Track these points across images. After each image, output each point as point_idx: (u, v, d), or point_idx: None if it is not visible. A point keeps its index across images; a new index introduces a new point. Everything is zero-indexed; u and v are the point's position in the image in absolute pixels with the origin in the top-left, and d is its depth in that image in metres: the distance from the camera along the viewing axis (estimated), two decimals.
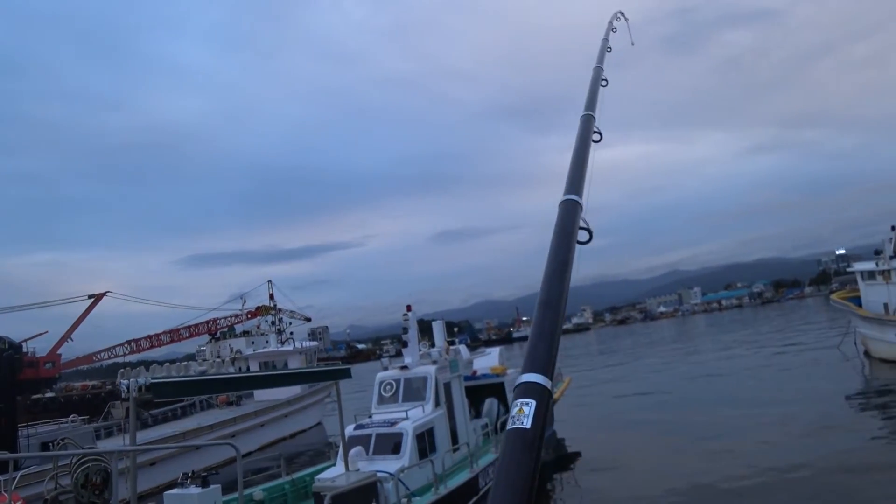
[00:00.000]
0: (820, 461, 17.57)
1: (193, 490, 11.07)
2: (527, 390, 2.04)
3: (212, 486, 11.27)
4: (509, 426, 1.95)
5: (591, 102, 4.46)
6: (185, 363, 60.35)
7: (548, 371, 2.12)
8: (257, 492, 14.46)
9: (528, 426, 1.92)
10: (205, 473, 11.76)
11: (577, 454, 22.55)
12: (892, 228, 33.81)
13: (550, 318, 2.37)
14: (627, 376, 46.48)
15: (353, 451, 14.22)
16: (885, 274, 32.90)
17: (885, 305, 32.47)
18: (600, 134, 4.02)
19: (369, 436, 15.34)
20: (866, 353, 35.30)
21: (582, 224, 2.91)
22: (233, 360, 47.78)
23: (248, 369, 41.65)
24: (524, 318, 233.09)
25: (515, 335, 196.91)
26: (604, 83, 5.02)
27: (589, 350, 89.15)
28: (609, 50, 6.15)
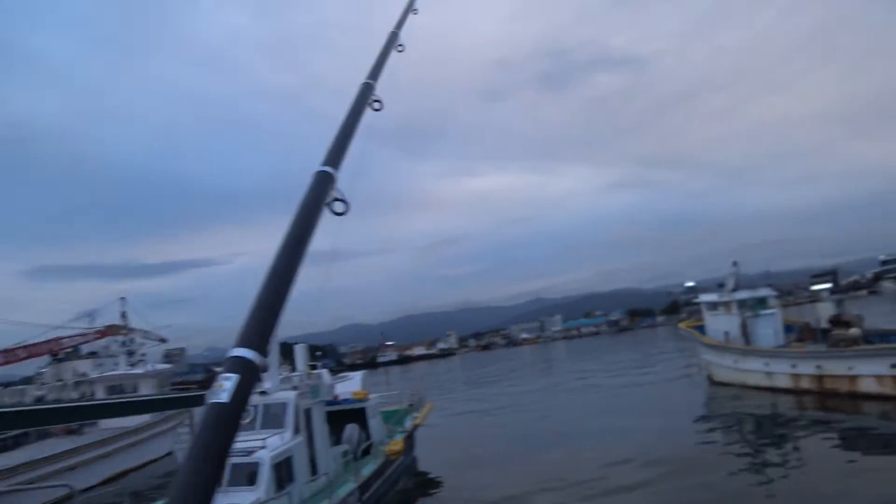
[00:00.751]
0: (661, 476, 18.64)
1: None
2: (232, 365, 1.97)
3: None
4: (208, 400, 1.88)
5: (377, 71, 4.30)
6: (22, 388, 55.57)
7: (260, 346, 2.04)
8: None
9: (226, 400, 1.87)
10: None
11: (437, 480, 22.57)
12: (734, 264, 36.84)
13: (275, 290, 2.27)
14: (489, 403, 47.37)
15: None
16: (727, 305, 35.66)
17: (726, 334, 35.03)
18: (381, 103, 3.95)
19: None
20: (710, 378, 37.75)
21: (337, 195, 2.89)
22: (76, 384, 44.44)
23: (93, 394, 38.99)
24: (389, 343, 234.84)
25: (380, 359, 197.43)
26: (400, 48, 4.85)
27: (454, 377, 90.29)
28: (415, 11, 5.79)
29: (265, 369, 2.02)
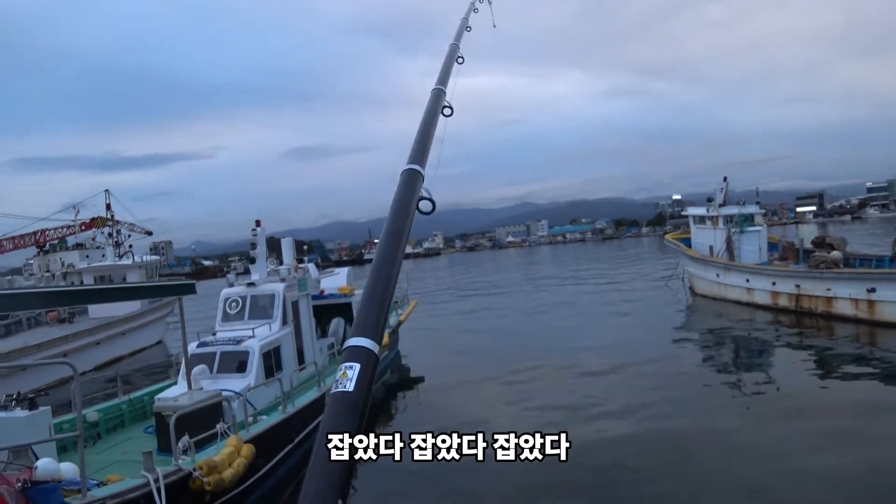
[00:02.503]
0: (636, 376, 19.48)
1: (20, 413, 10.39)
2: (353, 354, 2.06)
3: (40, 409, 10.64)
4: (333, 389, 1.95)
5: (444, 77, 4.52)
6: (10, 277, 55.85)
7: (376, 335, 2.14)
8: (91, 412, 13.87)
9: (351, 389, 1.93)
10: (32, 395, 11.07)
11: (420, 376, 23.26)
12: (724, 179, 37.13)
13: (382, 283, 2.40)
14: (473, 302, 48.24)
15: (196, 370, 13.84)
16: (714, 220, 36.20)
17: (711, 248, 35.73)
18: (451, 108, 4.08)
19: (213, 354, 14.98)
20: (691, 289, 38.83)
21: (424, 194, 2.96)
22: (64, 275, 44.70)
23: (81, 284, 39.32)
24: (375, 241, 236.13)
25: (367, 257, 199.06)
26: (460, 60, 5.15)
27: (438, 276, 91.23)
28: (468, 29, 6.34)
29: (380, 357, 2.15)
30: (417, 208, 2.90)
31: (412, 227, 2.83)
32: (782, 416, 14.61)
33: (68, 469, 9.02)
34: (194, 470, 9.63)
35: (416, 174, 3.06)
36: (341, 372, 1.98)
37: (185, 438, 10.20)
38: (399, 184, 2.99)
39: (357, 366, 2.00)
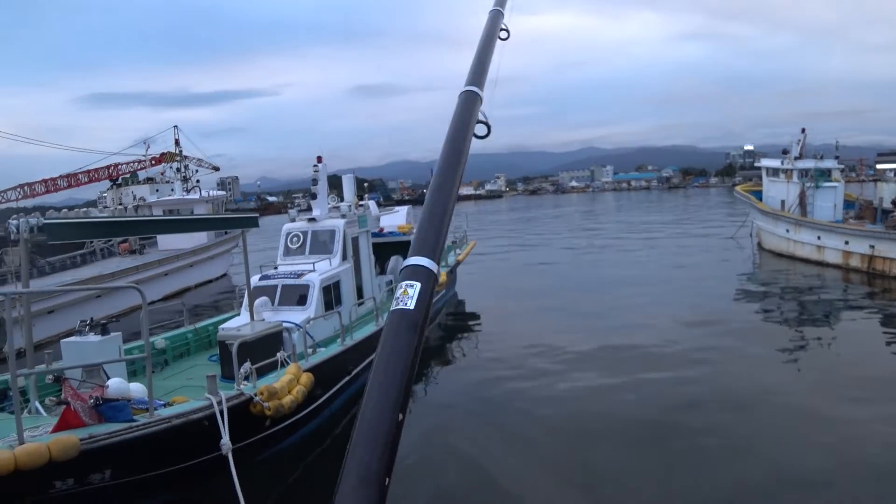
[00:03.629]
0: (693, 328, 19.20)
1: (93, 338, 10.89)
2: (413, 273, 2.06)
3: (112, 334, 11.12)
4: (393, 307, 1.94)
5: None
6: (85, 209, 58.03)
7: (435, 255, 2.14)
8: (159, 340, 14.42)
9: (412, 307, 1.93)
10: (104, 321, 11.57)
11: (476, 315, 23.43)
12: (802, 131, 35.29)
13: (441, 204, 2.40)
14: (532, 244, 48.04)
15: (258, 302, 14.22)
16: (788, 173, 34.58)
17: (782, 202, 34.47)
18: (507, 31, 3.89)
19: (275, 287, 15.33)
20: (759, 245, 37.76)
21: (481, 118, 2.90)
22: (136, 208, 46.27)
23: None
24: None
25: None
26: None
27: (498, 218, 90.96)
28: None
29: (439, 276, 2.17)
30: (473, 133, 2.85)
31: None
32: (843, 382, 14.19)
33: (137, 389, 9.50)
34: (255, 395, 9.98)
35: (475, 96, 2.99)
36: (402, 290, 1.99)
37: (247, 365, 10.53)
38: (457, 105, 2.93)
39: (418, 284, 2.00)
